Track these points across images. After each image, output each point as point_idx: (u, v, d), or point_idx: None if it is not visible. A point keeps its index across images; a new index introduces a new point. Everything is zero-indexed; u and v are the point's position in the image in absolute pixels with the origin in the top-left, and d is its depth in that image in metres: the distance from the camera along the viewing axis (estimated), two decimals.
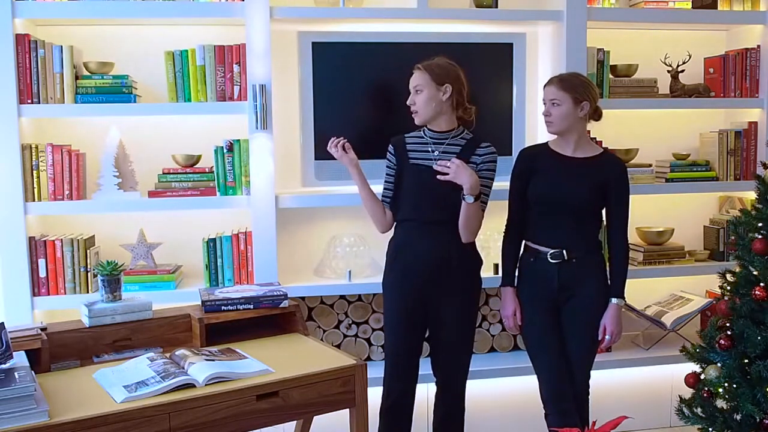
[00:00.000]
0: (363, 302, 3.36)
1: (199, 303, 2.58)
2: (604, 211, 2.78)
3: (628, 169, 3.36)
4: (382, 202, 2.78)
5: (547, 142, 2.81)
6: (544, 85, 2.74)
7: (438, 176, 2.58)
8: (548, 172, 2.72)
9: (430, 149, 2.70)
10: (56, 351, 2.26)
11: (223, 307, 2.51)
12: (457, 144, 2.69)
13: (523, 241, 2.81)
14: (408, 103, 2.69)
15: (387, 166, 2.78)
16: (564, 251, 2.68)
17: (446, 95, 2.65)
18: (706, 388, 2.66)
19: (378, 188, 2.80)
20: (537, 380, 2.77)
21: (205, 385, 2.05)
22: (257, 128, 3.07)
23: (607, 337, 2.69)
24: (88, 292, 3.07)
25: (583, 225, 2.71)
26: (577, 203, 2.67)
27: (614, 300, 2.70)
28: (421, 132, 2.75)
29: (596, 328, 2.70)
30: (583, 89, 2.67)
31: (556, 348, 2.71)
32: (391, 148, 2.77)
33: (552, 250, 2.69)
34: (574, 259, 2.68)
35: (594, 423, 1.86)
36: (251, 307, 2.54)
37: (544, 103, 2.72)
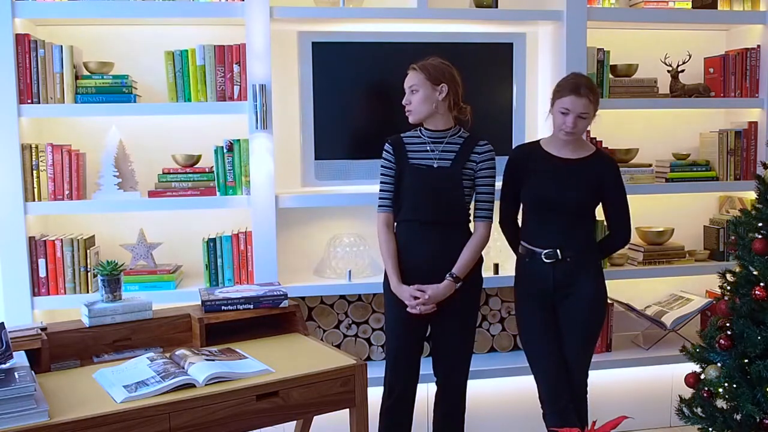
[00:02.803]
0: (363, 302, 3.36)
1: (199, 303, 2.58)
2: (602, 212, 2.79)
3: (629, 169, 3.40)
4: (382, 207, 2.75)
5: (539, 141, 2.81)
6: (561, 96, 2.63)
7: (418, 312, 2.63)
8: (541, 175, 2.71)
9: (429, 149, 2.70)
10: (56, 351, 2.26)
11: (223, 307, 2.51)
12: (454, 143, 2.69)
13: (521, 242, 2.81)
14: (403, 102, 2.70)
15: (384, 166, 2.75)
16: (558, 251, 2.68)
17: (442, 95, 2.65)
18: (706, 388, 2.66)
19: (376, 188, 2.79)
20: (534, 380, 2.77)
21: (205, 385, 2.05)
22: (257, 128, 3.07)
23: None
24: (88, 292, 3.07)
25: (577, 225, 2.71)
26: (571, 205, 2.68)
27: None
28: (418, 132, 2.75)
29: (593, 327, 2.71)
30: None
31: (552, 348, 2.71)
32: (389, 147, 2.74)
33: (546, 250, 2.69)
34: (568, 258, 2.68)
35: (594, 423, 1.86)
36: (251, 307, 2.54)
37: (562, 112, 2.62)
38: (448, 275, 2.65)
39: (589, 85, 2.65)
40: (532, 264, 2.74)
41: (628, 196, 2.78)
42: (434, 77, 2.64)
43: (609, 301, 3.23)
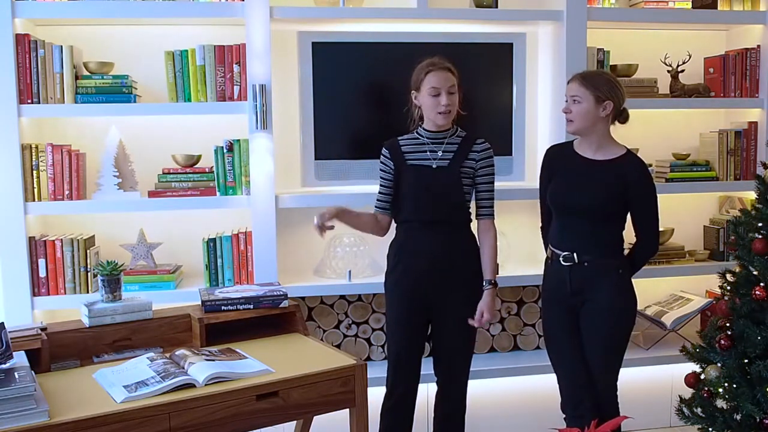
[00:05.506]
0: (363, 302, 3.36)
1: (199, 303, 2.58)
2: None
3: None
4: (376, 208, 2.77)
5: (572, 142, 2.75)
6: (567, 81, 2.67)
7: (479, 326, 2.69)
8: (565, 175, 2.67)
9: (428, 149, 2.70)
10: (56, 351, 2.26)
11: (223, 307, 2.51)
12: (454, 143, 2.69)
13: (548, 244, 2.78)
14: (446, 102, 2.60)
15: (381, 170, 2.76)
16: (574, 254, 2.62)
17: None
18: (706, 388, 2.66)
19: (376, 188, 2.79)
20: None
21: (205, 385, 2.05)
22: (257, 128, 3.07)
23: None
24: (88, 292, 3.07)
25: (599, 229, 2.62)
26: (592, 208, 2.60)
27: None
28: (415, 133, 2.75)
29: (613, 335, 2.63)
30: (607, 88, 2.58)
31: (571, 353, 2.66)
32: (386, 152, 2.75)
33: (564, 253, 2.64)
34: (585, 262, 2.61)
35: (594, 423, 1.85)
36: (251, 307, 2.54)
37: (566, 100, 2.65)
38: (485, 284, 2.67)
39: (585, 73, 2.67)
40: (553, 267, 2.71)
41: None
42: (458, 80, 2.65)
43: None
